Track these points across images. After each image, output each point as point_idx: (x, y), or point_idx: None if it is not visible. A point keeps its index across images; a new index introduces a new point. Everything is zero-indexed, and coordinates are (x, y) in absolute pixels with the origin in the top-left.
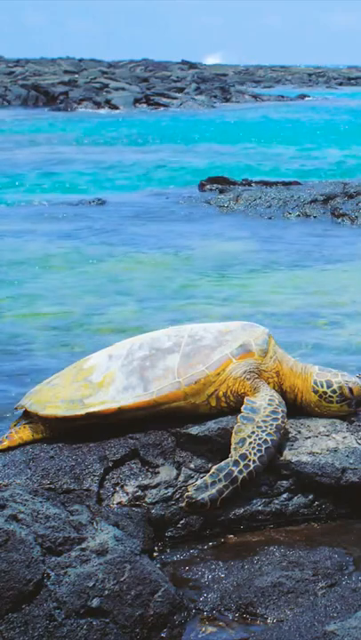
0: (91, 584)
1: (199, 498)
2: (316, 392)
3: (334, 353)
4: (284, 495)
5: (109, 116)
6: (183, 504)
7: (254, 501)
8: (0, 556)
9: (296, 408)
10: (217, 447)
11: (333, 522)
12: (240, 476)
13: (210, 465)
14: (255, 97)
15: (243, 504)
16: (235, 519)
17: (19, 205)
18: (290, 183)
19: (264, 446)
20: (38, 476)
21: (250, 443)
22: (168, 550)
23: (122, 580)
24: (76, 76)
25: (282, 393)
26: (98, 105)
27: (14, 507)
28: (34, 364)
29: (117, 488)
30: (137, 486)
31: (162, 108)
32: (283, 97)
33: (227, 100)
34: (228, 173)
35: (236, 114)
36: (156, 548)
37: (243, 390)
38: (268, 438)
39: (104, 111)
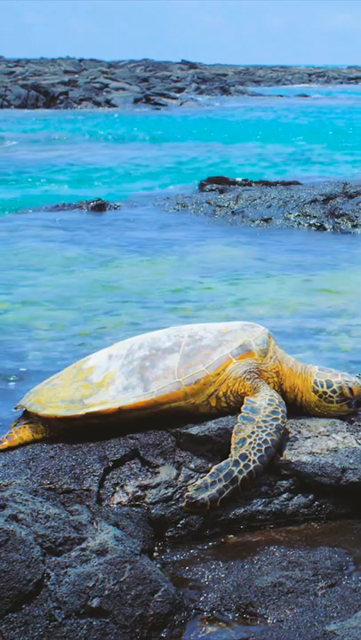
0: (91, 584)
1: (199, 498)
2: (316, 392)
3: (334, 355)
4: (284, 495)
5: (109, 116)
6: (183, 504)
7: (254, 501)
8: (0, 555)
9: (296, 408)
10: (217, 447)
11: (333, 522)
12: (240, 476)
13: (210, 465)
14: (255, 97)
15: (243, 504)
16: (235, 519)
17: (18, 207)
18: (290, 183)
19: (264, 446)
20: (38, 476)
21: (250, 443)
22: (168, 550)
23: (122, 580)
24: (76, 76)
25: (282, 393)
26: (98, 105)
27: (14, 507)
28: (34, 364)
29: (117, 488)
30: (137, 486)
31: (162, 108)
32: (282, 96)
33: (226, 100)
34: (229, 173)
35: (236, 113)
36: (156, 548)
37: (243, 390)
38: (268, 438)
39: (104, 111)
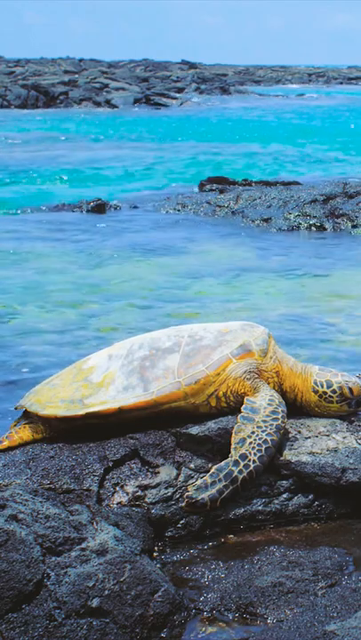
0: (91, 584)
1: (199, 498)
2: (316, 392)
3: (334, 355)
4: (284, 495)
5: (109, 116)
6: (183, 504)
7: (254, 501)
8: (0, 555)
9: (296, 408)
10: (217, 447)
11: (333, 522)
12: (240, 476)
13: (210, 465)
14: (255, 97)
15: (243, 504)
16: (235, 519)
17: (17, 206)
18: (290, 183)
19: (264, 446)
20: (38, 476)
21: (250, 443)
22: (168, 550)
23: (122, 580)
24: (76, 76)
25: (282, 393)
26: (98, 105)
27: (14, 507)
28: (33, 364)
29: (117, 488)
30: (137, 486)
31: (162, 108)
32: (282, 96)
33: (226, 100)
34: (228, 173)
35: (236, 113)
36: (156, 548)
37: (243, 390)
38: (268, 438)
39: (104, 111)
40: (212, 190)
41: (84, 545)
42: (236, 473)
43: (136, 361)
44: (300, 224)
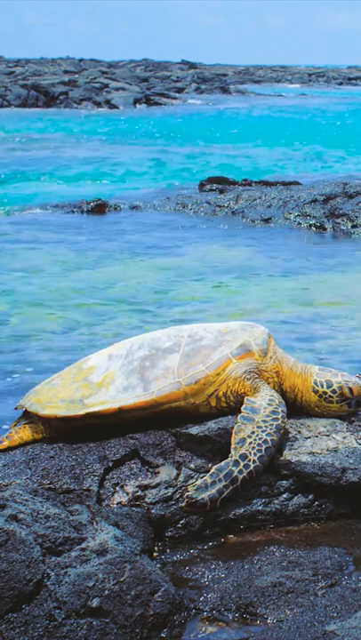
0: (91, 584)
1: (199, 498)
2: (316, 392)
3: (333, 355)
4: (284, 495)
5: (109, 116)
6: (183, 504)
7: (254, 501)
8: (0, 555)
9: (296, 408)
10: (217, 447)
11: (333, 522)
12: (240, 476)
13: (210, 465)
14: (255, 96)
15: (243, 504)
16: (235, 519)
17: (18, 206)
18: (290, 183)
19: (264, 446)
20: (38, 476)
21: (250, 443)
22: (168, 550)
23: (122, 580)
24: (76, 76)
25: (282, 393)
26: (98, 105)
27: (14, 507)
28: (33, 364)
29: (117, 488)
30: (137, 486)
31: (162, 108)
32: (282, 96)
33: (227, 100)
34: (229, 173)
35: (236, 113)
36: (156, 548)
37: (243, 390)
38: (268, 438)
39: (104, 111)
40: (212, 190)
41: (84, 545)
42: (236, 473)
43: (136, 361)
44: (300, 224)
